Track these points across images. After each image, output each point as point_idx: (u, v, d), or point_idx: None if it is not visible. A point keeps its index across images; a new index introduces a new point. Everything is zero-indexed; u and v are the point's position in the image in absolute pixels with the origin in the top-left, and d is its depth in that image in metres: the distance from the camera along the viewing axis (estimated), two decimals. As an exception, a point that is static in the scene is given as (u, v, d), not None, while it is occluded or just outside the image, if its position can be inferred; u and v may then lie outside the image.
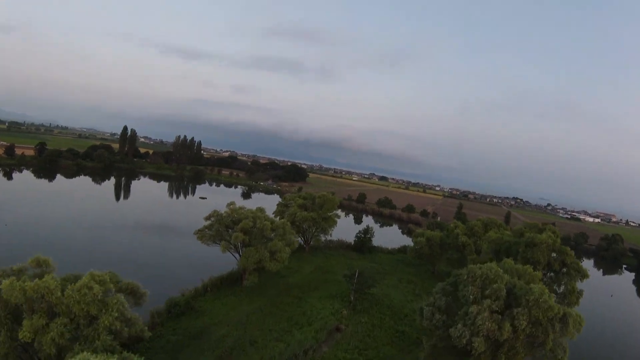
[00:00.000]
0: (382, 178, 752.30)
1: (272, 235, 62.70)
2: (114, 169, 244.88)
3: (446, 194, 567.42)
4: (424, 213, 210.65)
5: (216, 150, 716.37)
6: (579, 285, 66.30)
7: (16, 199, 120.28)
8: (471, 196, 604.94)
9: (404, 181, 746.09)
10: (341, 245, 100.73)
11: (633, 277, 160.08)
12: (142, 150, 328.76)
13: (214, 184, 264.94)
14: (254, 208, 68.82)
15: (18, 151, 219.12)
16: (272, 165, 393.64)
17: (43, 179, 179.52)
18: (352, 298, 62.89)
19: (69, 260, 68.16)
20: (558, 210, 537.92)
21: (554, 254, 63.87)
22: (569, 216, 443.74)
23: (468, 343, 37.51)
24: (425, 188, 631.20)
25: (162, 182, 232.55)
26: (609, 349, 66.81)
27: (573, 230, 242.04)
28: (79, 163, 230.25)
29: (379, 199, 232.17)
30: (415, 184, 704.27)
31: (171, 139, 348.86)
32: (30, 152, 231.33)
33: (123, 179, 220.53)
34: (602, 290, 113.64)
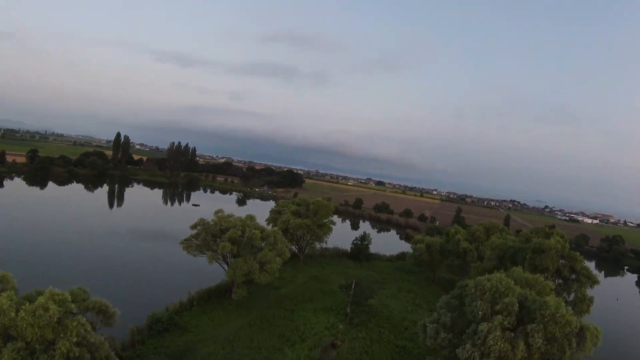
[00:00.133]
0: (379, 183, 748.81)
1: (263, 244, 58.70)
2: (107, 176, 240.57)
3: (443, 198, 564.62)
4: (422, 218, 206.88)
5: (212, 157, 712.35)
6: (588, 292, 62.80)
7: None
8: (469, 199, 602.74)
9: (400, 185, 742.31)
10: (337, 253, 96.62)
11: (636, 279, 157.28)
12: (136, 157, 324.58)
13: (209, 190, 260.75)
14: (244, 215, 64.78)
15: (9, 158, 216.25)
16: (268, 171, 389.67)
17: (35, 187, 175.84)
18: (348, 310, 58.87)
19: (44, 273, 64.30)
20: (556, 212, 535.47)
21: (562, 260, 60.12)
22: (567, 218, 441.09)
23: (477, 364, 33.60)
24: (422, 192, 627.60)
25: (155, 189, 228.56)
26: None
27: (573, 232, 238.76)
28: (71, 170, 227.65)
29: (376, 204, 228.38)
30: (412, 188, 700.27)
31: (167, 145, 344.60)
32: (22, 160, 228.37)
33: (116, 186, 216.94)
34: (606, 293, 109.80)
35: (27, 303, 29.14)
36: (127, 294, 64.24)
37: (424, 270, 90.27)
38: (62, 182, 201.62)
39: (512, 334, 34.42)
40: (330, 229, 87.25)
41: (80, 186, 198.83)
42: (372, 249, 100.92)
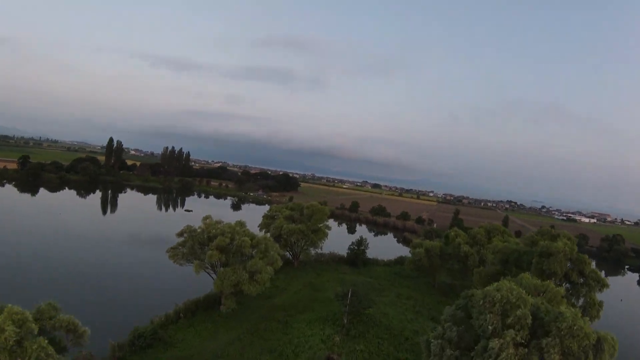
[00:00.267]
0: (375, 185, 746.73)
1: (253, 252, 55.28)
2: (99, 182, 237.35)
3: (440, 200, 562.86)
4: (420, 220, 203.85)
5: (208, 162, 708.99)
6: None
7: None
8: (465, 201, 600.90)
9: (397, 188, 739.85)
10: (333, 259, 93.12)
11: (637, 278, 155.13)
12: (130, 163, 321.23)
13: (203, 195, 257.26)
14: (234, 221, 61.35)
15: (1, 165, 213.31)
16: (263, 175, 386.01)
17: (26, 194, 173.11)
18: (345, 321, 55.41)
19: (21, 286, 60.84)
20: (553, 212, 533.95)
21: (569, 263, 56.93)
22: (564, 217, 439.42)
23: (488, 384, 30.31)
24: (419, 194, 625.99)
25: (149, 195, 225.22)
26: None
27: (572, 232, 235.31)
28: (63, 176, 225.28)
29: (373, 207, 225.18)
30: (409, 191, 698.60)
31: (162, 150, 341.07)
32: (13, 166, 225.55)
33: (109, 192, 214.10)
34: (609, 293, 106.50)
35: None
36: (111, 305, 60.95)
37: (423, 275, 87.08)
38: (53, 188, 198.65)
39: (526, 350, 31.16)
40: (325, 234, 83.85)
41: (73, 192, 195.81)
42: (369, 253, 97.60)
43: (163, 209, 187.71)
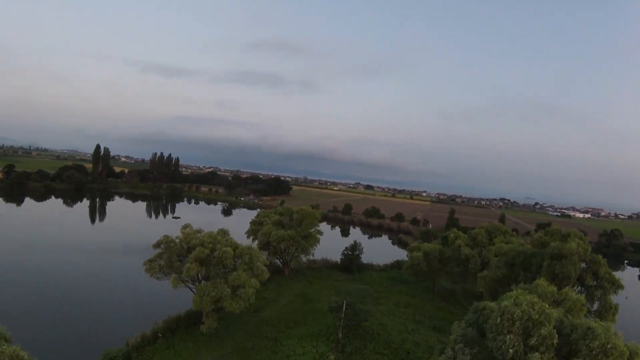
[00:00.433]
0: (368, 187, 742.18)
1: (237, 262, 50.16)
2: (86, 190, 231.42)
3: (434, 199, 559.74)
4: (414, 221, 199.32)
5: (199, 167, 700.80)
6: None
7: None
8: (459, 200, 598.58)
9: (390, 189, 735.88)
10: (326, 265, 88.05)
11: (638, 273, 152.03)
12: (119, 170, 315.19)
13: (193, 201, 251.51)
14: (216, 230, 56.22)
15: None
16: (254, 179, 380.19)
17: (11, 204, 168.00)
18: (340, 336, 50.44)
19: None
20: (547, 209, 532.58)
21: (582, 265, 52.45)
22: (559, 214, 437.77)
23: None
24: (412, 194, 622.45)
25: (138, 202, 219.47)
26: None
27: (568, 228, 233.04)
28: (48, 185, 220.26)
29: (366, 209, 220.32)
30: (402, 191, 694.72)
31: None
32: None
33: (97, 200, 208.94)
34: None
35: None
36: (84, 323, 55.90)
37: (422, 279, 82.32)
38: (39, 197, 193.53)
39: (552, 375, 26.47)
40: (317, 240, 78.78)
41: (59, 201, 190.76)
42: (364, 258, 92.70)
43: (152, 216, 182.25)
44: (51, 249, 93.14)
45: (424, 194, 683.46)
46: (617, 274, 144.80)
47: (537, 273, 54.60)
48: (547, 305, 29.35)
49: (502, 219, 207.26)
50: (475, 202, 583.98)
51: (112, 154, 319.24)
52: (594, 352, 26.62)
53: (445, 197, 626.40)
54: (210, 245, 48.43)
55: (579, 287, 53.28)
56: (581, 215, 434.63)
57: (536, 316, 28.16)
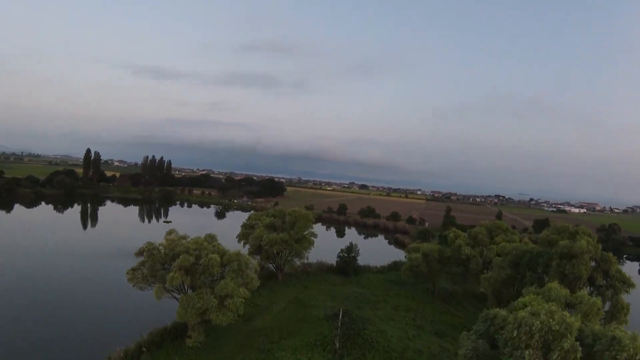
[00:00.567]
0: (363, 186, 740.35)
1: (226, 270, 46.79)
2: (76, 195, 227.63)
3: (429, 197, 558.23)
4: (410, 220, 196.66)
5: (192, 170, 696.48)
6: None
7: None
8: (454, 197, 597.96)
9: (384, 188, 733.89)
10: (321, 269, 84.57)
11: (638, 267, 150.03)
12: (110, 174, 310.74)
13: (186, 205, 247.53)
14: (204, 235, 52.84)
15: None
16: (248, 181, 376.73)
17: (1, 211, 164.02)
18: (337, 346, 47.21)
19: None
20: (542, 204, 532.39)
21: (592, 264, 49.54)
22: (554, 209, 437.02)
23: None
24: (407, 193, 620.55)
25: (130, 206, 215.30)
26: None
27: (566, 223, 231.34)
28: (38, 191, 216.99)
29: (361, 208, 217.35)
30: (397, 190, 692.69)
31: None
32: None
33: (89, 205, 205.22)
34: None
35: None
36: (63, 336, 52.61)
37: (421, 281, 79.21)
38: (29, 203, 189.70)
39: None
40: (311, 243, 75.31)
41: (49, 207, 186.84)
42: (361, 259, 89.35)
43: (145, 220, 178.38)
44: (38, 255, 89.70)
45: (419, 192, 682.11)
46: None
47: (545, 273, 51.77)
48: (567, 314, 26.34)
49: (499, 216, 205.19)
50: (470, 200, 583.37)
51: (105, 158, 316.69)
52: (622, 366, 23.69)
53: (440, 195, 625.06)
54: (196, 253, 45.06)
55: (590, 288, 50.38)
56: (576, 210, 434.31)
57: (557, 327, 25.10)
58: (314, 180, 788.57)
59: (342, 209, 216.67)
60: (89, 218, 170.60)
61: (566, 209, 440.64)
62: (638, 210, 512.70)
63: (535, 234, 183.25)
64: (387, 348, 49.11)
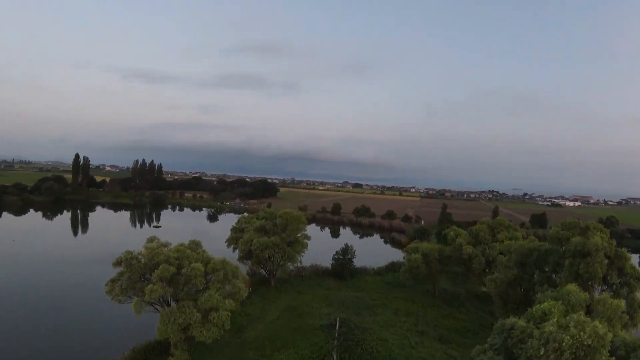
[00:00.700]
0: (356, 185, 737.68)
1: (211, 279, 42.94)
2: (65, 201, 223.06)
3: (423, 195, 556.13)
4: (406, 218, 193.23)
5: (185, 173, 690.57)
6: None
7: None
8: (448, 194, 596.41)
9: (378, 186, 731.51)
10: (316, 272, 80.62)
11: (638, 260, 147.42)
12: (100, 179, 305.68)
13: (178, 208, 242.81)
14: (187, 242, 48.90)
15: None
16: (240, 182, 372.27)
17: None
18: (334, 358, 43.57)
19: None
20: (536, 199, 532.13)
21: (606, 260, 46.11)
22: (549, 203, 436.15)
23: None
24: (401, 191, 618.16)
25: (121, 211, 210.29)
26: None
27: (564, 217, 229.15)
28: (26, 198, 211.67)
29: (356, 207, 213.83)
30: (390, 188, 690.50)
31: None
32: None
33: (78, 211, 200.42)
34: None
35: None
36: (57, 345, 50.10)
37: (421, 282, 75.55)
38: (17, 211, 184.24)
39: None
40: (304, 246, 71.46)
41: (38, 215, 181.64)
42: (357, 261, 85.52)
43: (137, 225, 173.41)
44: (20, 265, 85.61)
45: (413, 190, 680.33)
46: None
47: (554, 272, 48.39)
48: (599, 324, 22.87)
49: (495, 212, 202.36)
50: (465, 196, 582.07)
51: (98, 163, 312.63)
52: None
53: (434, 192, 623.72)
54: (177, 262, 41.19)
55: (603, 287, 47.03)
56: (571, 204, 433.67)
57: (589, 341, 21.61)
58: (307, 181, 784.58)
59: (337, 208, 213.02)
60: (79, 224, 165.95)
61: (561, 202, 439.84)
62: (632, 202, 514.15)
63: (533, 228, 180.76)
64: (389, 358, 45.60)
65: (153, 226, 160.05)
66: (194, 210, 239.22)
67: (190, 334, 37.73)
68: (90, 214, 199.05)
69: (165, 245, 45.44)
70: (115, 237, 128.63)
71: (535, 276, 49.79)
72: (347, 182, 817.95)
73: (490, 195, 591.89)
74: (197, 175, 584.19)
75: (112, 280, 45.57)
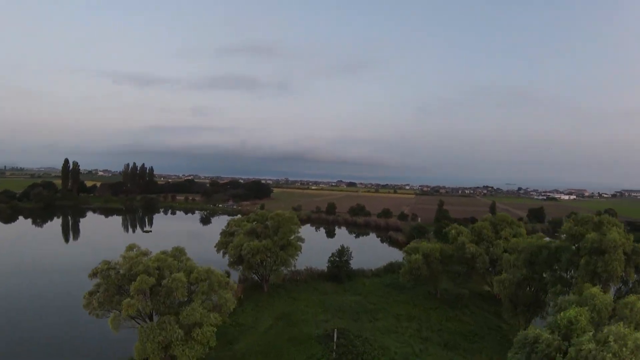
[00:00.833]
0: (351, 184, 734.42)
1: (195, 289, 39.19)
2: (55, 207, 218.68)
3: (418, 192, 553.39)
4: (402, 216, 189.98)
5: (178, 176, 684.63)
6: None
7: None
8: (443, 190, 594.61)
9: (372, 185, 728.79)
10: (311, 276, 76.84)
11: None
12: (90, 184, 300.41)
13: (170, 212, 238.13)
14: (170, 249, 45.12)
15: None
16: (233, 184, 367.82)
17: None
18: (333, 372, 40.03)
19: None
20: (531, 193, 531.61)
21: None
22: (544, 197, 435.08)
23: None
24: (395, 188, 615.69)
25: (113, 216, 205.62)
26: None
27: (561, 211, 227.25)
28: (14, 205, 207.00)
29: (351, 207, 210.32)
30: (385, 186, 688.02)
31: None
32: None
33: (69, 217, 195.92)
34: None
35: None
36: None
37: (422, 283, 71.98)
38: (6, 219, 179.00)
39: None
40: (298, 249, 67.70)
41: (28, 222, 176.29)
42: (354, 262, 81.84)
43: (129, 230, 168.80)
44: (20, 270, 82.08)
45: (407, 187, 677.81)
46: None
47: (567, 272, 45.09)
48: (624, 327, 19.55)
49: (493, 207, 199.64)
50: (459, 192, 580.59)
51: (90, 168, 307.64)
52: None
53: (429, 189, 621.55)
54: (158, 272, 37.46)
55: (620, 285, 43.78)
56: (566, 197, 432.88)
57: (632, 357, 18.24)
58: (301, 181, 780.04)
59: (331, 208, 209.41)
60: (70, 231, 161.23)
61: (556, 196, 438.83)
62: (627, 194, 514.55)
63: (531, 223, 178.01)
64: (392, 369, 42.15)
65: (144, 231, 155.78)
66: (186, 213, 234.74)
67: (172, 353, 33.96)
68: (81, 219, 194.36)
69: (145, 253, 41.62)
70: (106, 242, 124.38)
71: (545, 275, 46.52)
72: (341, 181, 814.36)
73: (485, 191, 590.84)
74: (190, 177, 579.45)
75: (90, 293, 41.76)
